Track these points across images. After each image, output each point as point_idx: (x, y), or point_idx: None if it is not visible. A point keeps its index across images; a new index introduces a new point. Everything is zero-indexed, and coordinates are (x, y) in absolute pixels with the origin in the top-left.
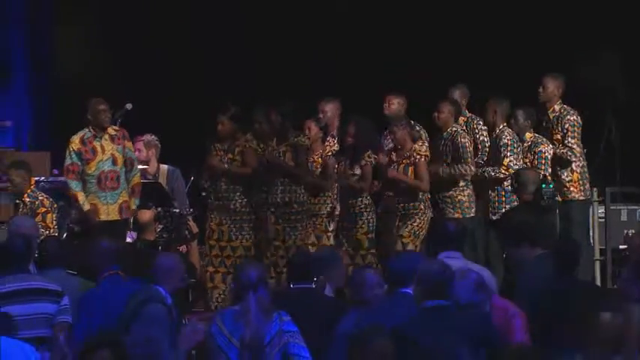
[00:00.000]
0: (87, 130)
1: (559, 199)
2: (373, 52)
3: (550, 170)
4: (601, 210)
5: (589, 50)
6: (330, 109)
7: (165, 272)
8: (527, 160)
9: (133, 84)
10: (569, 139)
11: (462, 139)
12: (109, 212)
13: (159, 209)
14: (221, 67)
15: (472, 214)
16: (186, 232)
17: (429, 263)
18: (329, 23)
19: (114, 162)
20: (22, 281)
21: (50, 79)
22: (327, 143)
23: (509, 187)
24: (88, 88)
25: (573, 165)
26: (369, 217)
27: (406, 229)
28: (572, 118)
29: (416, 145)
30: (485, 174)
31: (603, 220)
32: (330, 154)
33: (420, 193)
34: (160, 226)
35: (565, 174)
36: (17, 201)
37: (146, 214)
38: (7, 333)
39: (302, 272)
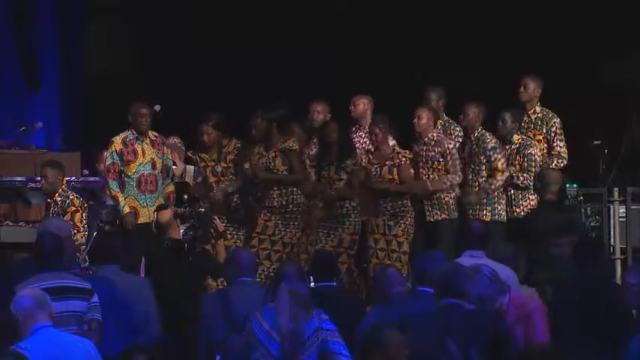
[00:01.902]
0: (129, 132)
1: (581, 198)
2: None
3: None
4: (622, 209)
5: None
6: (322, 110)
7: (252, 265)
8: (517, 163)
9: (164, 85)
10: (558, 142)
11: (449, 145)
12: (149, 214)
13: (186, 209)
14: (244, 68)
15: (456, 216)
16: (212, 231)
17: (443, 263)
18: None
19: (153, 166)
20: (53, 279)
21: (80, 79)
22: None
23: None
24: (118, 89)
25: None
26: (356, 220)
27: (399, 229)
28: (557, 121)
29: (398, 147)
30: (488, 191)
31: (624, 219)
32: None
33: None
34: (186, 225)
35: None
36: (49, 200)
37: (165, 214)
38: None
39: (325, 271)
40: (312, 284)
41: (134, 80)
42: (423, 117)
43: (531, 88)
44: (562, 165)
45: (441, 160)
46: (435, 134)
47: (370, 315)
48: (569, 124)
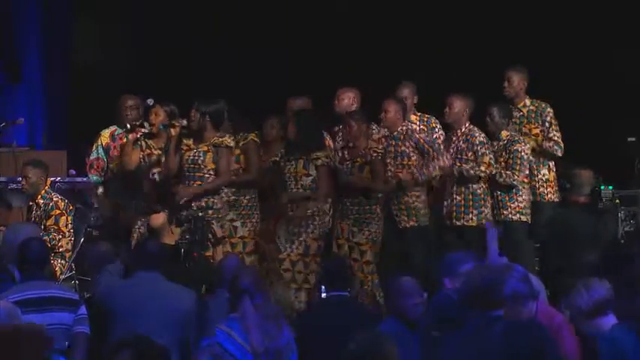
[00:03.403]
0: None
1: (617, 201)
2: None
3: (527, 172)
4: None
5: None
6: (299, 106)
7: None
8: (502, 160)
9: (151, 80)
10: (554, 132)
11: (420, 135)
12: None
13: (181, 211)
14: (239, 64)
15: (427, 222)
16: (210, 236)
17: (474, 270)
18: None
19: None
20: (37, 289)
21: (67, 72)
22: None
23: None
24: (107, 83)
25: (551, 163)
26: (320, 222)
27: (363, 236)
28: (551, 110)
29: (372, 143)
30: (464, 172)
31: None
32: None
33: (376, 196)
34: (182, 229)
35: (542, 173)
36: (31, 203)
37: (159, 219)
38: None
39: (337, 280)
40: (323, 294)
41: (125, 74)
42: (390, 110)
43: (516, 81)
44: (557, 153)
45: (412, 155)
46: (404, 128)
47: (384, 325)
48: (600, 120)
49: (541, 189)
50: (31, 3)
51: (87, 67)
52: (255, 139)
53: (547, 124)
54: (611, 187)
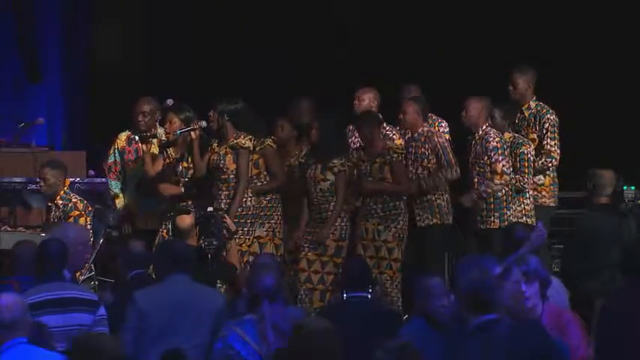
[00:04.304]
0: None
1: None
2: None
3: (532, 174)
4: None
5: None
6: (308, 108)
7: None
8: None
9: (171, 81)
10: (549, 140)
11: (439, 139)
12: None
13: (194, 210)
14: (253, 64)
15: (450, 221)
16: (224, 232)
17: (469, 271)
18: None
19: None
20: (56, 290)
21: (87, 71)
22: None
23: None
24: (125, 86)
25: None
26: (342, 224)
27: (390, 233)
28: (552, 117)
29: (389, 143)
30: (483, 194)
31: None
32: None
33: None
34: (204, 233)
35: (537, 177)
36: (49, 204)
37: (186, 220)
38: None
39: (358, 281)
40: (344, 295)
41: (145, 74)
42: (409, 111)
43: (521, 84)
44: (551, 165)
45: (431, 157)
46: (425, 129)
47: (409, 327)
48: (622, 119)
49: (535, 192)
50: (51, 3)
51: (107, 68)
52: (272, 144)
53: (544, 131)
54: (633, 188)
